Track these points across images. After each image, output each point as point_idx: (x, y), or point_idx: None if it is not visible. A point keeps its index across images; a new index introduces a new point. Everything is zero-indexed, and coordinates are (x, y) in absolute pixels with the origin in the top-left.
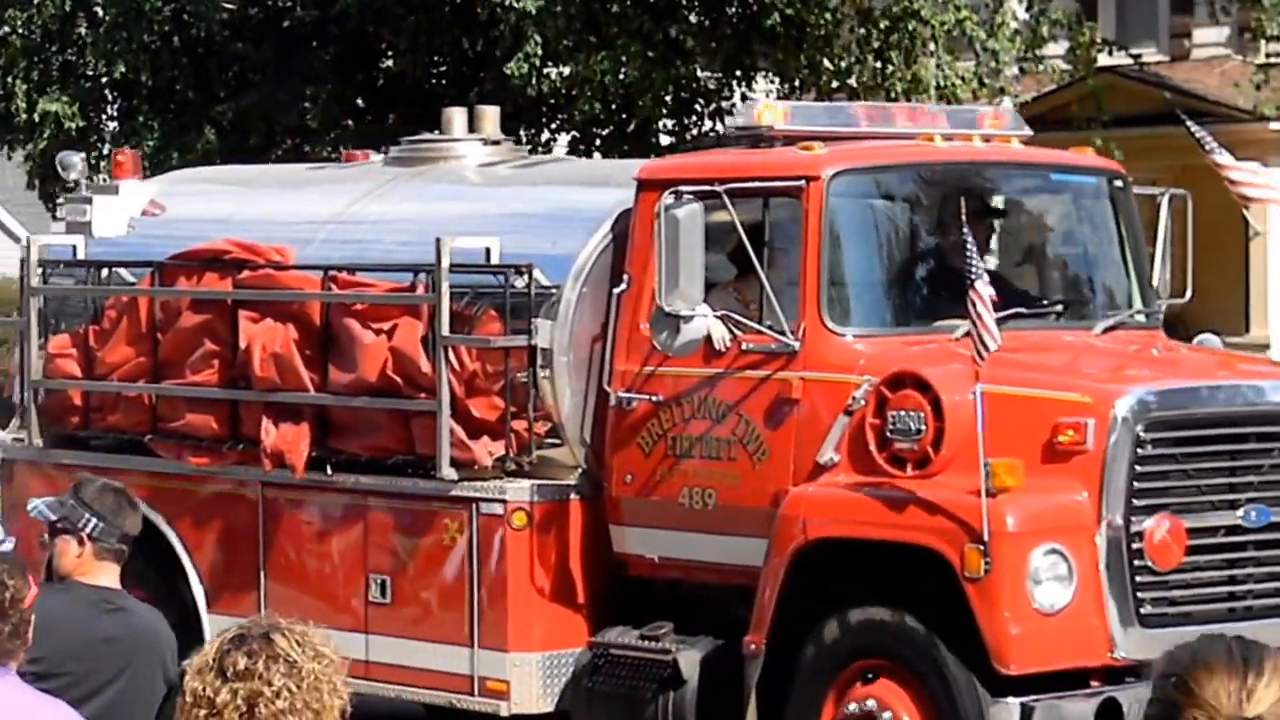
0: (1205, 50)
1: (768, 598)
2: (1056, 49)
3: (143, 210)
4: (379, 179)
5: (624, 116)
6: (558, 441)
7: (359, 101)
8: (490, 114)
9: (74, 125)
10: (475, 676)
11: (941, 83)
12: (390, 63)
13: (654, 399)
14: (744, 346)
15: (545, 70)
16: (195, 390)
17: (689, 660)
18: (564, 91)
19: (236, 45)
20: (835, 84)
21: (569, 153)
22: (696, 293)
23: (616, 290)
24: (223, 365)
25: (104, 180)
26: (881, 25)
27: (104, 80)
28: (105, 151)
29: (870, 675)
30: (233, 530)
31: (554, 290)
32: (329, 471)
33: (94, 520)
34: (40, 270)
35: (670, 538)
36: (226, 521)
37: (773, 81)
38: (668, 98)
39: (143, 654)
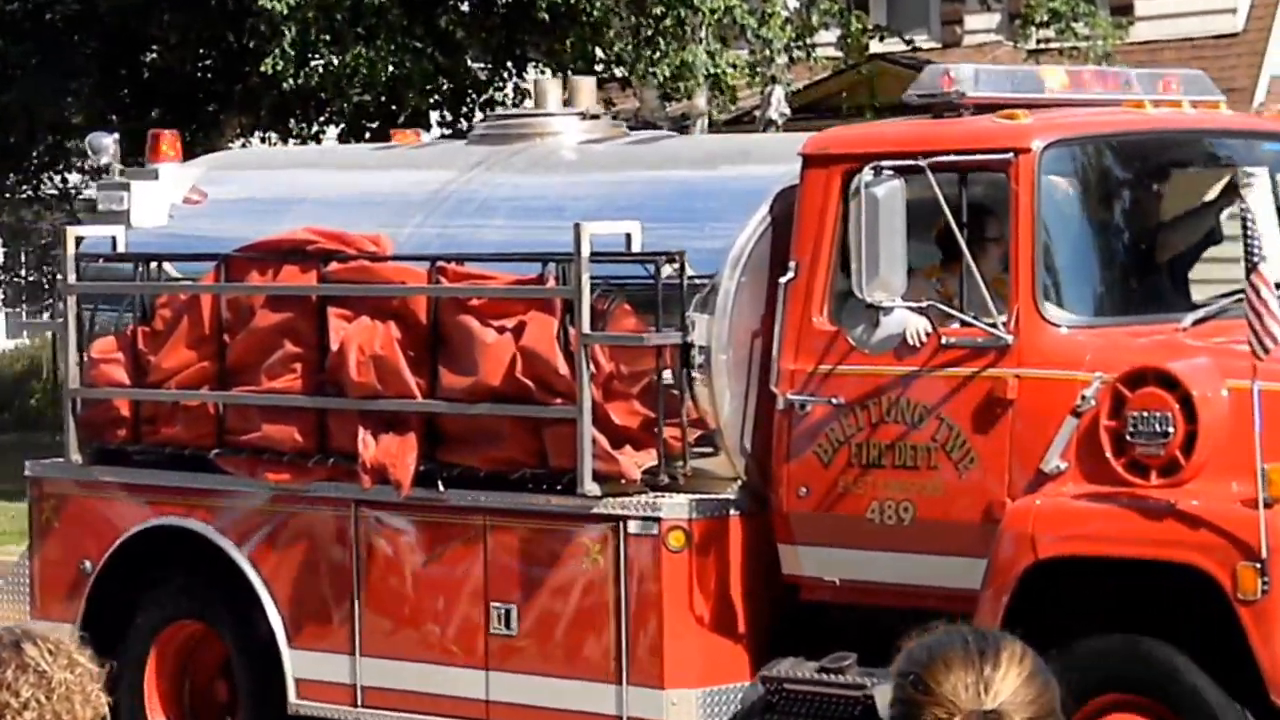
0: (976, 37)
1: (989, 625)
2: (828, 36)
3: (183, 197)
4: (468, 159)
5: (393, 108)
6: (708, 450)
7: (124, 96)
8: (586, 85)
9: None
10: (624, 717)
11: (711, 70)
12: (155, 57)
13: (833, 401)
14: (944, 341)
15: (306, 64)
16: (275, 398)
17: (886, 696)
18: (328, 85)
19: None
20: (605, 73)
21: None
22: (899, 281)
23: (782, 280)
24: (307, 369)
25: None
26: (653, 12)
27: None
28: None
29: (1107, 710)
30: (319, 555)
31: (704, 281)
32: (440, 488)
33: None
34: (77, 265)
35: (854, 558)
36: (312, 545)
37: (543, 71)
38: (436, 89)
39: None
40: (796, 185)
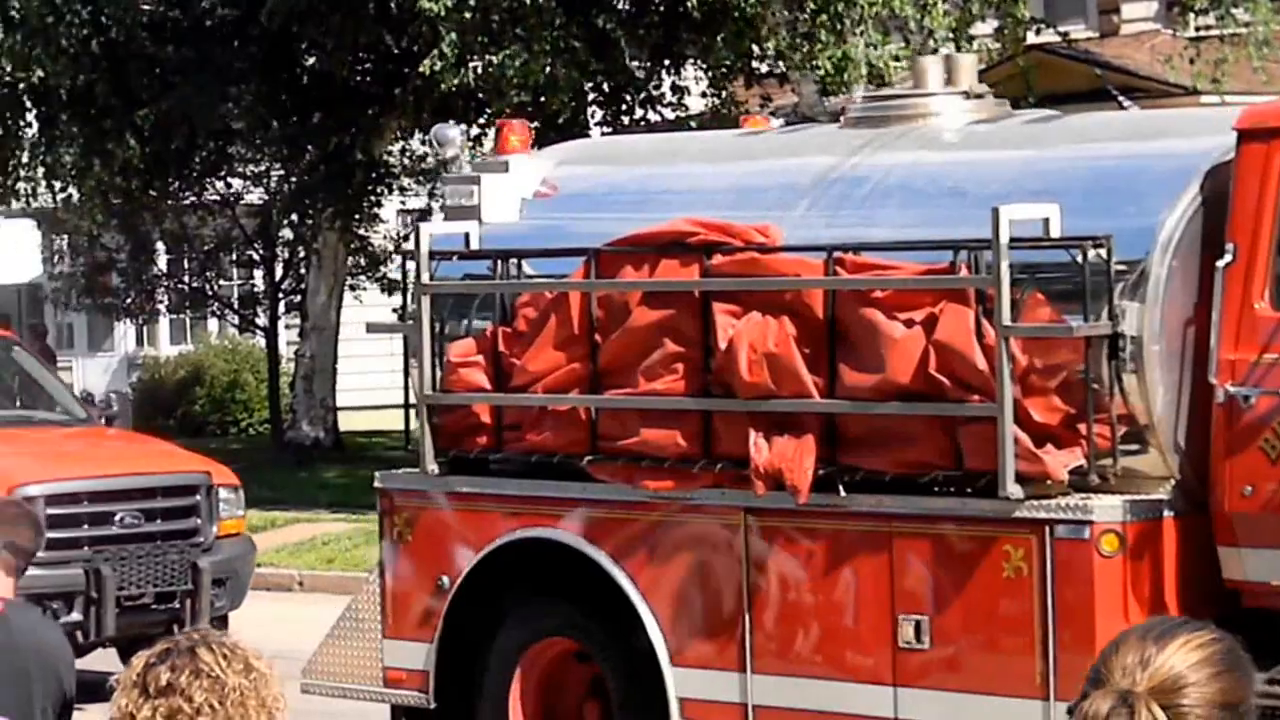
0: (1134, 25)
1: None
2: (985, 28)
3: (534, 190)
4: (849, 143)
5: (552, 108)
6: (1137, 448)
7: (284, 101)
8: (968, 64)
9: None
10: None
11: (872, 62)
12: (314, 62)
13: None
14: None
15: (464, 65)
16: (655, 401)
17: None
18: (486, 85)
19: (156, 48)
20: (764, 68)
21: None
22: None
23: (1219, 264)
24: (690, 369)
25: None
26: (809, 6)
27: (21, 86)
28: (24, 160)
29: None
30: (704, 567)
31: (1128, 267)
32: (841, 493)
33: None
34: (431, 263)
35: None
36: (696, 556)
37: (701, 67)
38: (592, 88)
39: (33, 664)
40: (1228, 162)
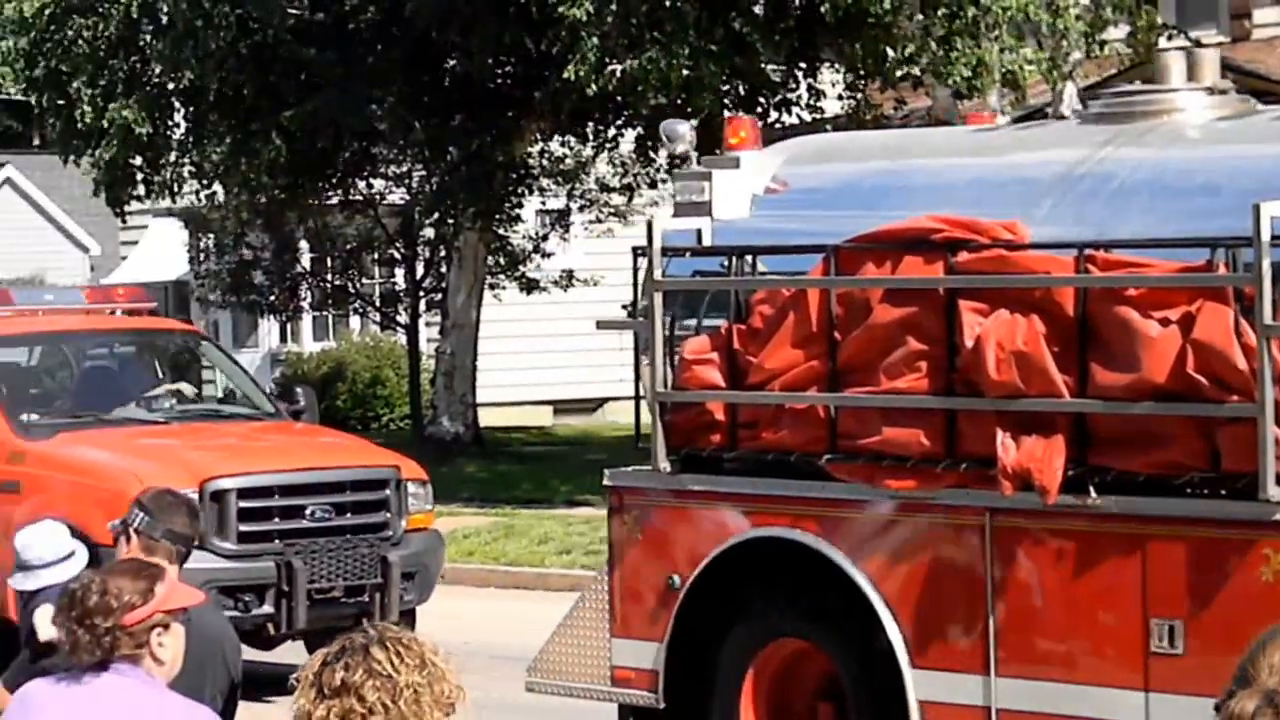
0: (1266, 30)
1: None
2: (1118, 33)
3: (765, 187)
4: (1092, 138)
5: (689, 111)
6: None
7: (426, 103)
8: (1210, 59)
9: (143, 132)
10: None
11: (1007, 66)
12: (455, 64)
13: None
14: None
15: (604, 69)
16: (897, 399)
17: None
18: (625, 87)
19: (302, 50)
20: (898, 73)
21: (636, 150)
22: None
23: None
24: (934, 368)
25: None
26: (943, 12)
27: (170, 88)
28: (172, 159)
29: None
30: (946, 568)
31: None
32: (1092, 494)
33: (140, 515)
34: (664, 260)
35: None
36: (938, 557)
37: (838, 71)
38: (728, 91)
39: (203, 650)
40: None
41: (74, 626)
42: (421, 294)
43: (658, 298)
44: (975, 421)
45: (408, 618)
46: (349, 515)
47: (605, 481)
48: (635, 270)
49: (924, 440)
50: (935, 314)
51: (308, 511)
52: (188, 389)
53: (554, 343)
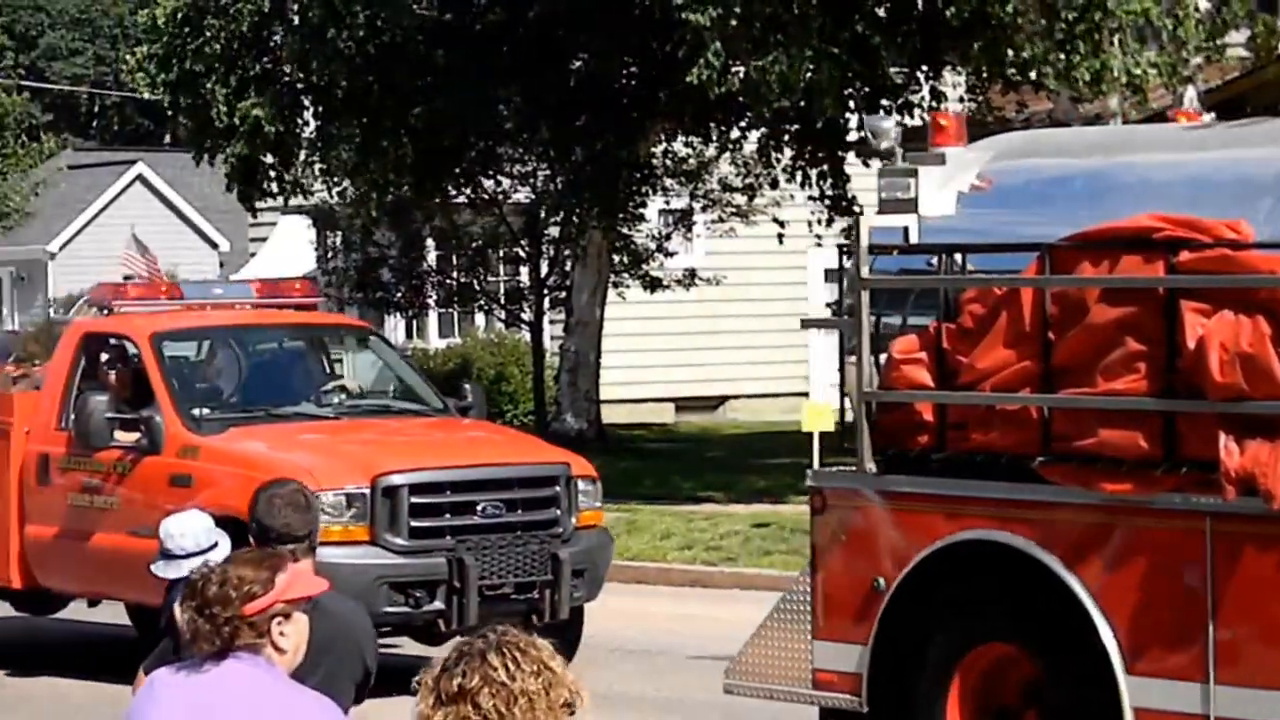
0: None
1: None
2: (1238, 37)
3: (969, 184)
4: None
5: (811, 113)
6: None
7: (550, 103)
8: None
9: (273, 130)
10: None
11: (1131, 70)
12: (579, 65)
13: None
14: None
15: (728, 72)
16: (1114, 401)
17: None
18: (748, 90)
19: (429, 50)
20: (1020, 76)
21: (759, 150)
22: None
23: None
24: (1153, 369)
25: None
26: (1066, 16)
27: (300, 87)
28: (302, 157)
29: None
30: (1163, 573)
31: None
32: None
33: (252, 524)
34: (870, 258)
35: None
36: (1155, 562)
37: (959, 74)
38: (850, 93)
39: (339, 641)
40: None
41: (194, 616)
42: (546, 292)
43: (864, 296)
44: (1196, 424)
45: (577, 615)
46: (520, 512)
47: (808, 482)
48: (841, 268)
49: (1142, 443)
50: (1155, 314)
51: (479, 508)
52: (354, 384)
53: (676, 340)
